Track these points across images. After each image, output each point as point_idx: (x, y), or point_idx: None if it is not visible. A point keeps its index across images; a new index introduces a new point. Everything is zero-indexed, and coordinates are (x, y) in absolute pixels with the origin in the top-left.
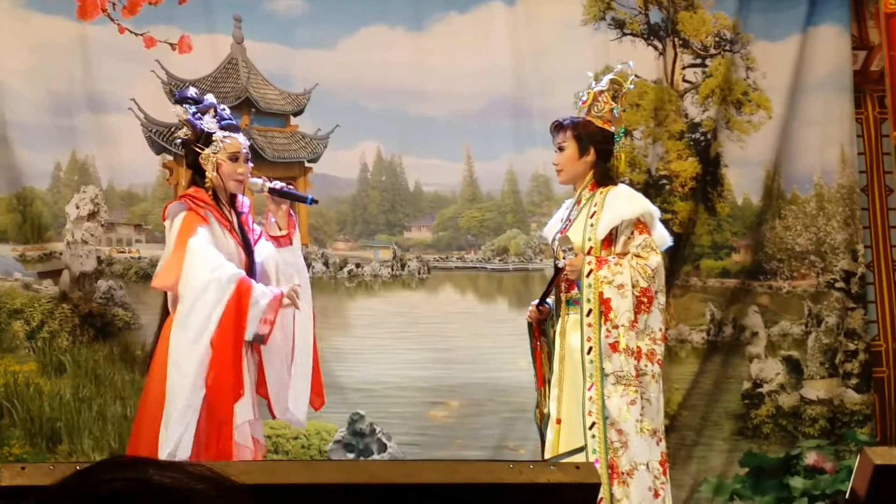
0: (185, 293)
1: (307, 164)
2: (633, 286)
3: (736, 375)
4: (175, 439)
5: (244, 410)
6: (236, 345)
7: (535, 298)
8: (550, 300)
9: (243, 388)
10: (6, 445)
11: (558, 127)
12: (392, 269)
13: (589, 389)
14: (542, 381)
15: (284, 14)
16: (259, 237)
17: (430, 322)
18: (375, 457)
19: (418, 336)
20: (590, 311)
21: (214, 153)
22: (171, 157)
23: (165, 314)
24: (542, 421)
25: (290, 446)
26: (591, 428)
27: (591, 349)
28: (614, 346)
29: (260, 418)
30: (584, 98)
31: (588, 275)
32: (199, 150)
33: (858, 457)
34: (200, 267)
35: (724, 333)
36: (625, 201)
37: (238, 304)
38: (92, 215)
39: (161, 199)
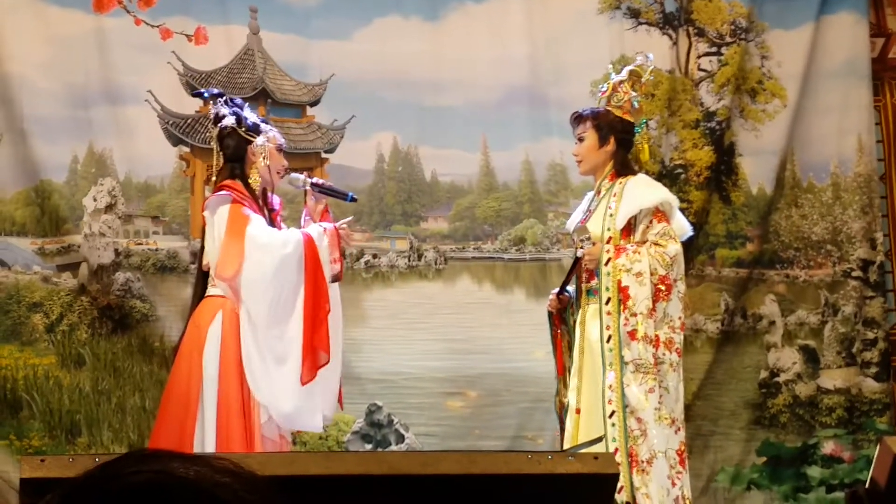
0: (261, 279)
1: (324, 155)
2: (652, 274)
3: (753, 364)
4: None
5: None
6: (322, 297)
7: (552, 288)
8: (570, 289)
9: (329, 350)
10: (26, 438)
11: (578, 118)
12: (409, 260)
13: (608, 378)
14: (563, 369)
15: (300, 4)
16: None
17: (447, 312)
18: (393, 447)
19: (435, 326)
20: (608, 300)
21: (266, 143)
22: (187, 149)
23: (195, 304)
24: (563, 410)
25: (307, 437)
26: (610, 416)
27: (610, 337)
28: (633, 335)
29: None
30: (603, 89)
31: (606, 263)
32: (249, 139)
33: (878, 446)
34: (268, 251)
35: (739, 323)
36: (643, 190)
37: (314, 260)
38: (109, 207)
39: (178, 190)
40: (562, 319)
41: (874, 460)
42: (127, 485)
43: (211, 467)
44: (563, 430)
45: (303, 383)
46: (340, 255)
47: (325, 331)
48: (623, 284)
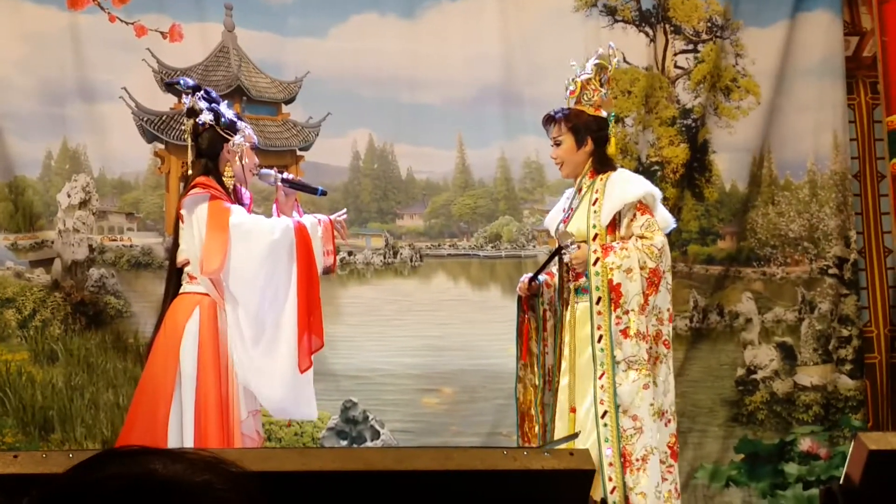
0: (248, 266)
1: (299, 153)
2: (642, 268)
3: (730, 362)
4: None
5: (250, 402)
6: (315, 282)
7: None
8: (542, 278)
9: (322, 336)
10: None
11: (550, 120)
12: (384, 257)
13: (600, 378)
14: (527, 354)
15: (275, 2)
16: None
17: (422, 309)
18: (369, 444)
19: (411, 323)
20: (599, 299)
21: (242, 142)
22: (162, 146)
23: (168, 301)
24: (535, 399)
25: (283, 434)
26: (602, 416)
27: (601, 337)
28: (625, 332)
29: (260, 411)
30: (571, 88)
31: (595, 263)
32: (227, 137)
33: (853, 442)
34: (255, 238)
35: (716, 320)
36: (625, 185)
37: (306, 247)
38: (83, 204)
39: (153, 187)
40: (530, 305)
41: (849, 457)
42: (109, 488)
43: (191, 464)
44: (521, 419)
45: (302, 371)
46: (334, 248)
47: (319, 316)
48: (615, 283)
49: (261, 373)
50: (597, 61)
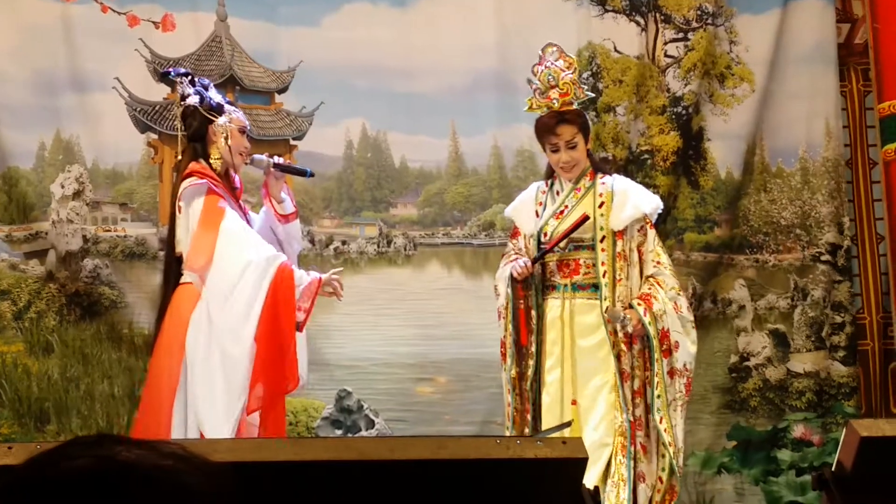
0: (222, 277)
1: (292, 142)
2: (677, 293)
3: (723, 349)
4: (233, 417)
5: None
6: (285, 329)
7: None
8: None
9: (296, 377)
10: None
11: (562, 122)
12: (378, 246)
13: (661, 422)
14: (527, 339)
15: None
16: (245, 213)
17: (416, 298)
18: (363, 433)
19: (405, 312)
20: (655, 347)
21: (228, 123)
22: (155, 136)
23: (167, 295)
24: (520, 381)
25: None
26: (663, 457)
27: (658, 383)
28: (671, 373)
29: None
30: (561, 91)
31: (645, 314)
32: (211, 119)
33: (845, 429)
34: (237, 249)
35: (709, 307)
36: (640, 196)
37: (281, 288)
38: (77, 194)
39: (146, 177)
40: (523, 289)
41: (840, 443)
42: (66, 471)
43: (156, 451)
44: (520, 404)
45: (249, 412)
46: (311, 307)
47: (286, 361)
48: (666, 329)
49: (201, 393)
50: (560, 61)
